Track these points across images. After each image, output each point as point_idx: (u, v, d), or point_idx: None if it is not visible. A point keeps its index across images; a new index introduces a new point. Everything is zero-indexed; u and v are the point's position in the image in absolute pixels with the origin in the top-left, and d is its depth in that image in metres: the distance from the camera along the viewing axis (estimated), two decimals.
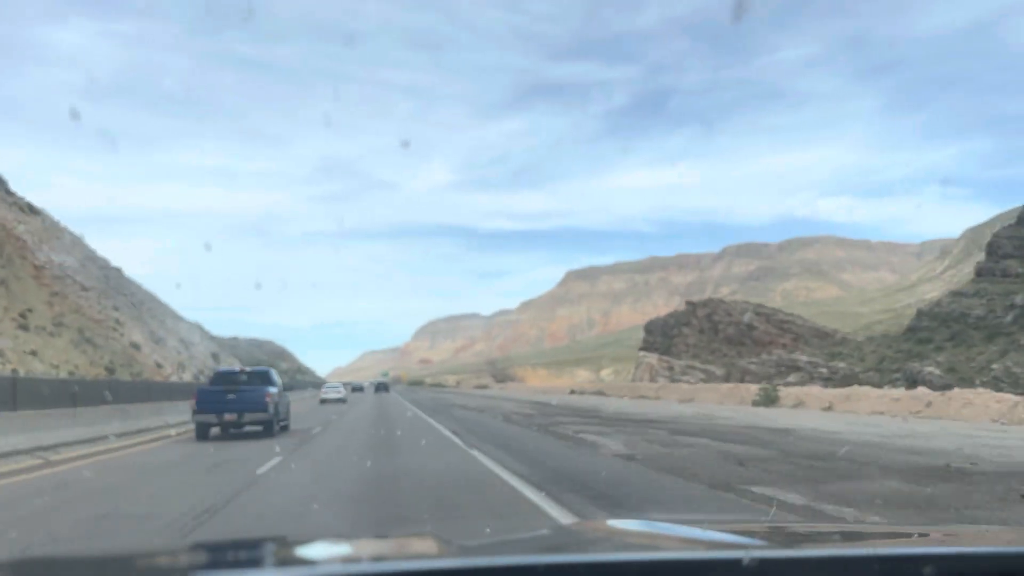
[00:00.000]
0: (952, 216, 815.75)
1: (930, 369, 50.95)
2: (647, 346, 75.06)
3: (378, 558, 1.63)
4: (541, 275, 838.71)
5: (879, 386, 38.68)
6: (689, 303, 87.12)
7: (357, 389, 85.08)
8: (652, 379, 64.87)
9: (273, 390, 19.26)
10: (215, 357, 69.43)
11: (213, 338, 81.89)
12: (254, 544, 1.96)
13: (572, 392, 61.85)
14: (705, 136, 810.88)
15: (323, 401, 44.77)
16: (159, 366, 59.54)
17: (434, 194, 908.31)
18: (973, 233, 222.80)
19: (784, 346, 67.56)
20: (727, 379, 63.26)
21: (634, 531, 1.96)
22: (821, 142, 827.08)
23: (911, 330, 67.05)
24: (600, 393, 58.12)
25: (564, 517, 7.49)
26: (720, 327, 74.97)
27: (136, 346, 58.44)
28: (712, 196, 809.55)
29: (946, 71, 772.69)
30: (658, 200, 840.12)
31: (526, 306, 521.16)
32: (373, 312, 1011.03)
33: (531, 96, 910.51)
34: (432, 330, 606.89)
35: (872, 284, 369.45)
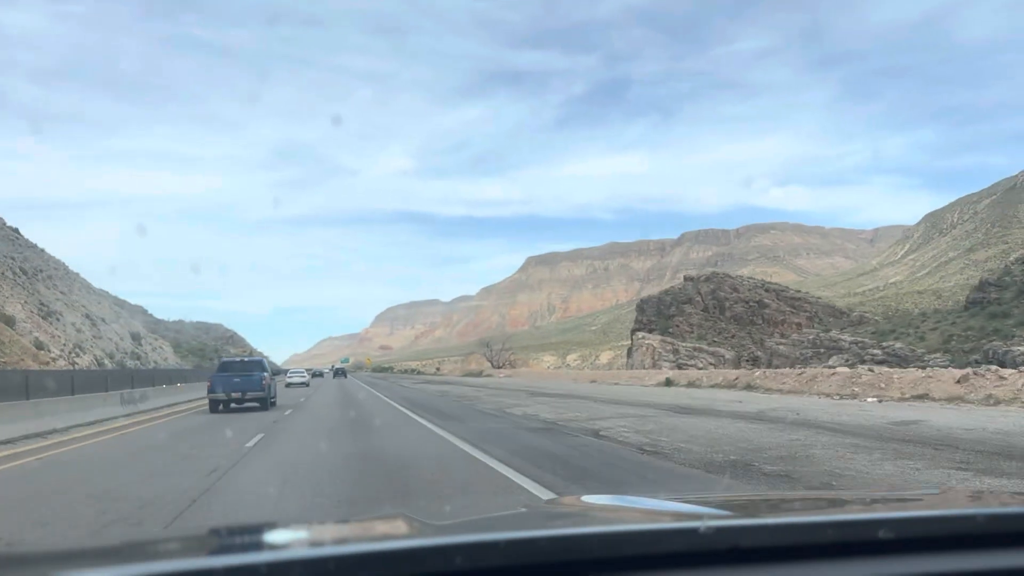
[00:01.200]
0: (901, 204, 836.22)
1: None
2: (640, 326, 70.53)
3: (346, 540, 1.65)
4: (500, 262, 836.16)
5: (959, 368, 34.71)
6: (688, 278, 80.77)
7: (317, 375, 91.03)
8: (654, 363, 61.26)
9: (266, 375, 24.82)
10: (136, 338, 60.91)
11: (158, 320, 77.59)
12: (227, 532, 1.99)
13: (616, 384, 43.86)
14: (662, 125, 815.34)
15: (288, 385, 49.72)
16: (40, 346, 50.05)
17: (393, 180, 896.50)
18: (933, 218, 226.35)
19: (798, 325, 64.29)
20: (737, 363, 60.07)
21: (603, 505, 1.99)
22: (774, 132, 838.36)
23: (974, 303, 60.62)
24: (693, 384, 36.48)
25: None
26: (727, 304, 72.06)
27: (8, 320, 48.69)
28: (669, 184, 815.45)
29: (896, 63, 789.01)
30: (616, 188, 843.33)
31: (487, 292, 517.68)
32: (332, 299, 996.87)
33: (491, 83, 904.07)
34: (391, 316, 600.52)
35: (826, 270, 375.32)
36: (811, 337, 53.74)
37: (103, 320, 61.33)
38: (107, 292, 68.71)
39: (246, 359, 27.66)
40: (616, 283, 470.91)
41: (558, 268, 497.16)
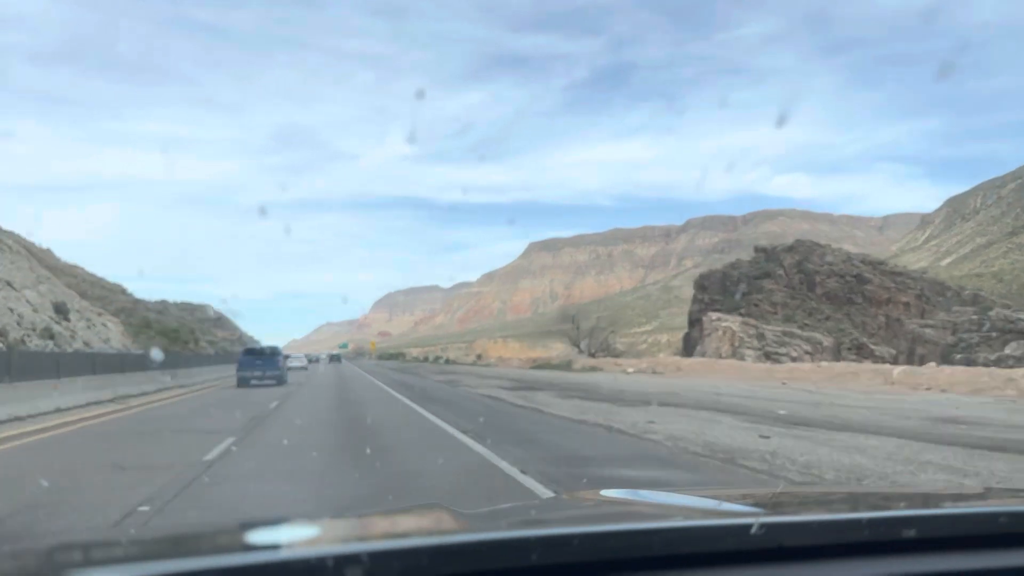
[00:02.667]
0: (905, 193, 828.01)
1: None
2: (703, 307, 60.19)
3: (355, 538, 1.59)
4: (501, 249, 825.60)
5: None
6: (760, 249, 67.75)
7: (313, 360, 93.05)
8: (733, 352, 50.64)
9: (281, 359, 32.60)
10: (60, 311, 46.53)
11: (137, 300, 71.36)
12: (209, 531, 1.92)
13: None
14: (666, 111, 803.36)
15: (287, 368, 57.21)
16: None
17: (393, 166, 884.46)
18: (954, 203, 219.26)
19: (906, 305, 54.01)
20: (837, 351, 50.15)
21: (632, 500, 1.97)
22: (779, 118, 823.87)
23: None
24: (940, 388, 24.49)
25: None
26: (817, 279, 58.03)
27: None
28: (672, 171, 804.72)
29: (902, 50, 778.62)
30: (619, 175, 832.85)
31: (488, 278, 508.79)
32: (331, 284, 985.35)
33: (493, 68, 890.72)
34: (390, 302, 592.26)
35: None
36: (970, 318, 43.42)
37: (9, 285, 49.25)
38: (51, 253, 59.87)
39: (266, 348, 33.60)
40: (620, 270, 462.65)
41: (560, 254, 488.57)
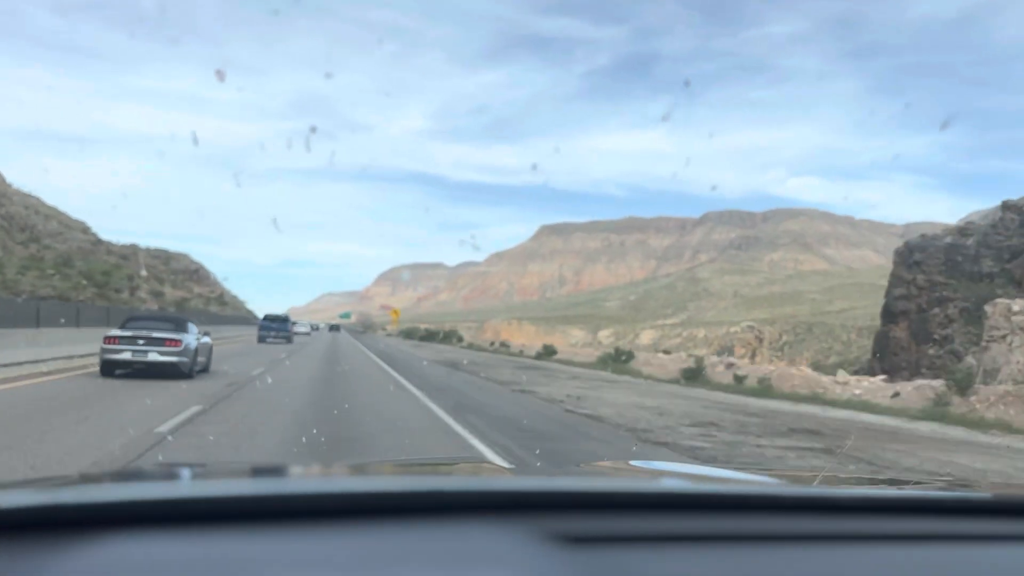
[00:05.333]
0: (922, 204, 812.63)
1: None
2: (902, 284, 39.37)
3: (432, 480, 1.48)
4: (509, 232, 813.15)
5: None
6: (1010, 205, 41.13)
7: (315, 329, 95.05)
8: None
9: (289, 325, 45.46)
10: None
11: (100, 241, 64.93)
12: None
13: None
14: (685, 105, 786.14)
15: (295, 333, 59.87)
16: None
17: (407, 140, 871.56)
18: (989, 213, 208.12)
19: None
20: None
21: (674, 471, 1.94)
22: (798, 120, 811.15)
23: None
24: None
25: None
26: None
27: None
28: (688, 166, 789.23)
29: (929, 59, 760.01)
30: (632, 165, 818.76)
31: (496, 258, 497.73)
32: (335, 254, 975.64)
33: (514, 48, 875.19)
34: (394, 277, 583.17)
35: (856, 262, 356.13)
36: None
37: None
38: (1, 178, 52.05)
39: (279, 315, 46.25)
40: (632, 259, 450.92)
41: (572, 239, 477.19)
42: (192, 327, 16.75)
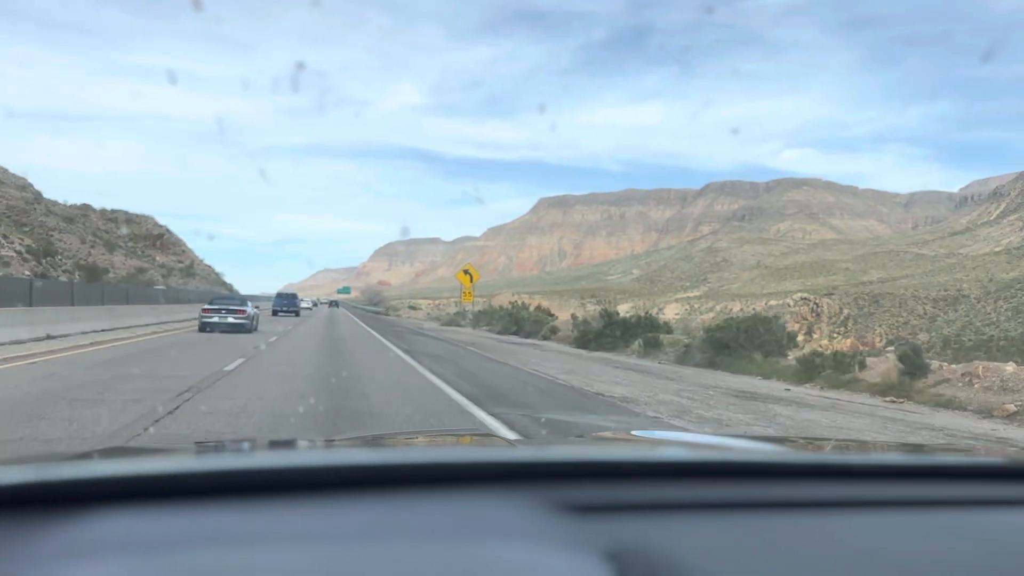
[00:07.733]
0: (914, 175, 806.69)
1: None
2: None
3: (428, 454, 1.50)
4: (506, 206, 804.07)
5: None
6: None
7: (315, 304, 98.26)
8: None
9: (298, 301, 52.23)
10: None
11: (38, 200, 57.58)
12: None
13: None
14: (681, 77, 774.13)
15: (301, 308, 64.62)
16: None
17: (402, 116, 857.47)
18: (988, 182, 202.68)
19: None
20: None
21: (678, 440, 1.98)
22: (793, 92, 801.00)
23: None
24: None
25: None
26: None
27: None
28: (683, 138, 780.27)
29: (923, 31, 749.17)
30: (630, 139, 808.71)
31: (494, 232, 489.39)
32: (331, 230, 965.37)
33: (510, 22, 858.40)
34: (390, 252, 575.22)
35: (861, 232, 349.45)
36: None
37: None
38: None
39: (289, 293, 54.29)
40: (632, 232, 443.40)
41: (571, 212, 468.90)
42: (250, 304, 26.70)
